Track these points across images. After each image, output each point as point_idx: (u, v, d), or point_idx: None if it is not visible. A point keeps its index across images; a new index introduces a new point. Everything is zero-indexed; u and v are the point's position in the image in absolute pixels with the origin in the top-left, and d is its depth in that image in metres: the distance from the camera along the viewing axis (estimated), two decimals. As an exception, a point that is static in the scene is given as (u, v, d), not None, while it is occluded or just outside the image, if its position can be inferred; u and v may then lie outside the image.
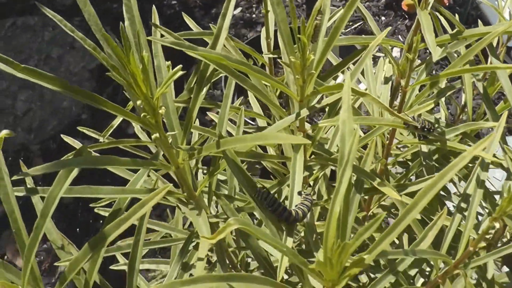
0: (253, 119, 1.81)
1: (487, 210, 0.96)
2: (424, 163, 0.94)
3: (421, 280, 0.94)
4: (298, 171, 0.69)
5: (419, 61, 0.91)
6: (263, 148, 1.08)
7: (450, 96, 1.09)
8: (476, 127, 0.88)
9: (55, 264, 0.76)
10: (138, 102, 0.57)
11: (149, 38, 0.64)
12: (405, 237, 1.04)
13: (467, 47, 0.82)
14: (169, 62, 0.69)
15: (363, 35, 0.92)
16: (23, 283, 0.57)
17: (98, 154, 0.65)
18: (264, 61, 1.10)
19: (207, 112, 1.07)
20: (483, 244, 0.72)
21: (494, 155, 0.84)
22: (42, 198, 0.61)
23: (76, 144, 0.91)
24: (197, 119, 0.99)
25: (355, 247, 0.47)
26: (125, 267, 0.85)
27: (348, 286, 1.00)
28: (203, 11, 2.66)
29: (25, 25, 2.60)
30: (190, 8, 2.65)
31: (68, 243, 0.72)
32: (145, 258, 1.13)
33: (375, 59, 2.15)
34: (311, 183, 0.93)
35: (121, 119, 0.90)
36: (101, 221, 1.98)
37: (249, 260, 1.03)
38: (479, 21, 1.13)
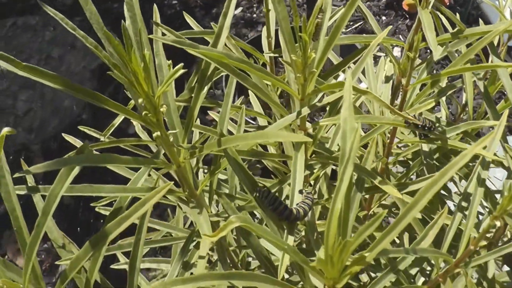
0: (254, 119, 1.81)
1: (487, 210, 0.96)
2: (425, 162, 0.94)
3: (422, 279, 0.94)
4: (299, 170, 0.69)
5: (419, 61, 0.91)
6: (264, 147, 1.09)
7: (451, 95, 1.09)
8: (477, 126, 0.88)
9: (56, 262, 0.76)
10: (140, 100, 0.57)
11: (150, 36, 0.64)
12: (406, 236, 1.04)
13: (468, 46, 0.82)
14: (170, 61, 0.70)
15: (364, 34, 0.92)
16: (25, 281, 0.57)
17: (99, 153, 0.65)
18: (265, 60, 1.10)
19: (208, 111, 1.07)
20: (484, 243, 0.72)
21: (495, 154, 0.84)
22: (43, 197, 0.61)
23: (77, 143, 0.91)
24: (198, 119, 0.99)
25: (356, 245, 0.47)
26: (126, 266, 0.85)
27: (349, 285, 1.00)
28: (203, 11, 2.66)
29: (26, 25, 2.60)
30: (190, 8, 2.65)
31: (69, 242, 0.72)
32: (145, 257, 1.13)
33: (376, 59, 2.15)
34: (312, 182, 0.93)
35: (122, 118, 0.90)
36: (102, 221, 1.98)
37: (250, 259, 1.03)
38: (480, 20, 1.13)
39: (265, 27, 1.12)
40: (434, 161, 0.94)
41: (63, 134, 0.96)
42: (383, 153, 0.97)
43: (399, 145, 0.98)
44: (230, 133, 0.93)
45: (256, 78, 0.75)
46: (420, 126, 0.83)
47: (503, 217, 0.66)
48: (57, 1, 2.69)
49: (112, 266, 1.13)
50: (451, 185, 1.11)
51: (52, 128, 2.26)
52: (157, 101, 0.58)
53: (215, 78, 0.77)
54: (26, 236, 0.59)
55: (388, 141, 0.94)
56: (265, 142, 0.99)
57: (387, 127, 0.89)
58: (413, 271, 0.84)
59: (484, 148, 0.73)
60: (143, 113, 0.58)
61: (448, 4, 2.36)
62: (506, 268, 0.94)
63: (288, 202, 0.69)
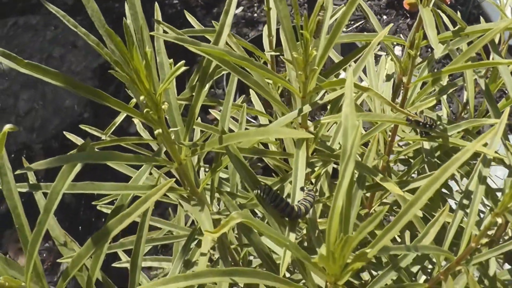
0: (255, 118, 1.81)
1: (489, 208, 0.96)
2: (426, 159, 0.94)
3: (423, 277, 0.94)
4: (300, 167, 0.69)
5: (420, 60, 0.91)
6: (265, 145, 1.09)
7: (452, 93, 1.09)
8: (478, 124, 0.88)
9: (58, 260, 0.76)
10: (141, 98, 0.57)
11: (151, 33, 0.65)
12: (407, 234, 1.04)
13: (469, 44, 0.82)
14: (171, 60, 0.70)
15: (365, 33, 0.92)
16: (26, 278, 0.57)
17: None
18: (266, 58, 1.10)
19: (210, 110, 1.07)
20: (485, 240, 0.72)
21: (496, 152, 0.84)
22: (45, 195, 0.61)
23: (79, 141, 0.91)
24: (199, 118, 1.00)
25: (358, 241, 0.47)
26: (128, 265, 0.85)
27: (351, 284, 1.00)
28: (204, 11, 2.66)
29: (27, 24, 2.60)
30: (191, 8, 2.66)
31: (71, 240, 0.72)
32: (147, 256, 1.13)
33: (377, 58, 2.16)
34: (313, 180, 0.93)
35: (123, 116, 0.91)
36: (103, 219, 1.99)
37: (251, 257, 1.03)
38: (481, 18, 1.13)
39: (266, 26, 1.12)
40: (435, 159, 0.94)
41: (64, 132, 0.96)
42: (384, 151, 0.97)
43: (400, 143, 0.98)
44: (231, 131, 0.93)
45: (258, 76, 0.75)
46: (421, 123, 0.83)
47: (504, 214, 0.66)
48: (58, 1, 2.69)
49: (113, 265, 1.14)
50: (452, 184, 1.11)
51: (54, 127, 2.26)
52: (159, 98, 0.58)
53: (216, 76, 0.77)
54: (28, 233, 0.59)
55: (389, 139, 0.94)
56: (266, 140, 0.99)
57: (388, 125, 0.89)
58: (415, 269, 0.84)
59: (485, 145, 0.73)
60: (144, 111, 0.59)
61: (449, 3, 2.36)
62: (507, 266, 0.94)
63: (289, 199, 0.69)
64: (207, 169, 1.09)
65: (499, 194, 0.89)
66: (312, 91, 0.70)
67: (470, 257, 0.74)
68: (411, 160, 1.06)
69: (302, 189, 0.69)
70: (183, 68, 0.56)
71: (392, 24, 2.48)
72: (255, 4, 2.66)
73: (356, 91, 0.71)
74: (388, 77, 1.01)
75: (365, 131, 0.90)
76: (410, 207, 0.55)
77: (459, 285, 0.78)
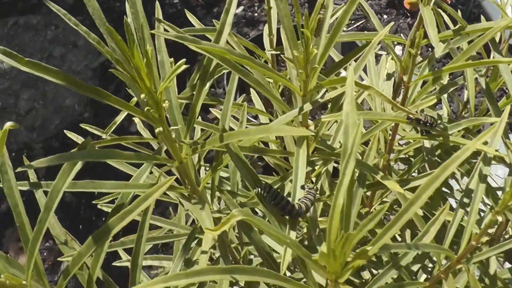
0: (255, 117, 1.82)
1: (489, 207, 0.96)
2: (426, 158, 0.94)
3: (424, 276, 0.94)
4: (301, 166, 0.69)
5: (421, 59, 0.91)
6: (266, 144, 1.09)
7: (453, 93, 1.09)
8: (478, 123, 0.88)
9: (59, 259, 0.76)
10: (142, 96, 0.57)
11: (152, 31, 0.65)
12: (408, 233, 1.04)
13: (469, 43, 0.82)
14: (172, 59, 0.70)
15: (366, 32, 0.92)
16: (27, 276, 0.57)
17: (101, 151, 0.66)
18: (267, 57, 1.11)
19: (210, 109, 1.07)
20: (485, 238, 0.72)
21: (496, 151, 0.84)
22: (46, 194, 0.61)
23: (80, 140, 0.91)
24: (200, 118, 1.00)
25: (359, 238, 0.47)
26: (128, 264, 0.85)
27: (351, 283, 1.00)
28: (205, 10, 2.66)
29: (27, 24, 2.60)
30: (192, 7, 2.66)
31: (72, 238, 0.72)
32: (147, 255, 1.13)
33: (377, 58, 2.16)
34: (314, 179, 0.93)
35: (124, 115, 0.91)
36: (103, 219, 1.99)
37: (252, 257, 1.03)
38: (482, 17, 1.13)
39: (266, 26, 1.12)
40: (436, 158, 0.95)
41: (65, 131, 0.96)
42: (385, 150, 0.97)
43: (401, 142, 0.99)
44: (232, 130, 0.93)
45: (258, 74, 0.75)
46: (422, 122, 0.83)
47: (505, 212, 0.66)
48: (58, 1, 2.69)
49: (114, 264, 1.14)
50: (453, 182, 1.11)
51: (54, 127, 2.26)
52: (159, 96, 0.58)
53: (217, 75, 0.77)
54: (28, 231, 0.59)
55: (390, 138, 0.94)
56: (267, 139, 0.99)
57: (389, 123, 0.89)
58: (415, 267, 0.84)
59: (486, 144, 0.73)
60: (145, 109, 0.59)
61: (449, 2, 2.36)
62: (507, 265, 0.94)
63: (290, 198, 0.70)
64: (207, 168, 1.09)
65: (499, 193, 0.89)
66: (313, 89, 0.70)
67: (470, 255, 0.74)
68: (412, 159, 1.06)
69: (302, 187, 0.69)
70: (184, 66, 0.56)
71: (393, 23, 2.48)
72: (256, 4, 2.66)
73: (357, 89, 0.71)
74: (389, 76, 1.01)
75: (366, 130, 0.90)
76: (410, 205, 0.55)
77: (459, 284, 0.78)
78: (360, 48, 0.81)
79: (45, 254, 1.94)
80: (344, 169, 0.51)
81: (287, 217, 0.69)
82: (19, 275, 0.60)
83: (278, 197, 0.67)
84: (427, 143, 0.95)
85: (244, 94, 1.31)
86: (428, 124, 0.84)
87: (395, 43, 2.24)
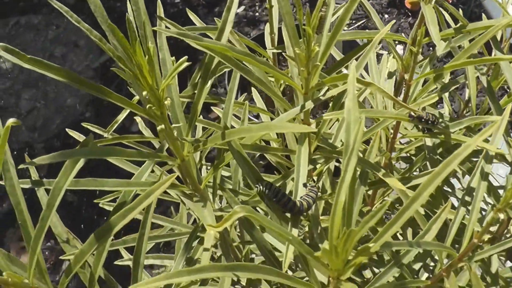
0: (257, 116, 1.81)
1: (490, 205, 0.96)
2: (428, 156, 0.94)
3: (426, 274, 0.94)
4: (303, 163, 0.69)
5: (422, 58, 0.91)
6: (267, 143, 1.08)
7: (454, 92, 1.09)
8: (480, 121, 0.88)
9: (61, 257, 0.76)
10: (144, 93, 0.57)
11: (154, 28, 0.65)
12: (409, 232, 1.04)
13: (470, 41, 0.82)
14: (173, 57, 0.70)
15: (367, 30, 0.92)
16: (29, 275, 0.57)
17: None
18: (268, 56, 1.11)
19: (212, 108, 1.07)
20: (487, 237, 0.72)
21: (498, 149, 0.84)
22: (47, 192, 0.61)
23: (81, 138, 0.91)
24: (201, 117, 1.00)
25: (361, 235, 0.47)
26: (130, 262, 0.85)
27: (353, 281, 1.00)
28: (206, 9, 2.66)
29: (29, 24, 2.61)
30: (193, 7, 2.66)
31: (73, 237, 0.72)
32: (149, 254, 1.13)
33: (378, 57, 2.15)
34: (315, 178, 0.93)
35: (125, 114, 0.91)
36: (105, 218, 1.99)
37: (254, 256, 1.03)
38: (483, 15, 1.13)
39: (267, 24, 1.12)
40: (438, 156, 0.94)
41: (67, 129, 0.96)
42: (387, 148, 0.97)
43: (402, 141, 0.98)
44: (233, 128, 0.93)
45: (260, 72, 0.75)
46: (423, 119, 0.83)
47: (506, 210, 0.66)
48: (59, 1, 2.69)
49: (116, 262, 1.13)
50: (454, 181, 1.11)
51: (55, 126, 2.26)
52: (161, 94, 0.58)
53: (218, 74, 0.77)
54: (30, 229, 0.59)
55: (391, 136, 0.94)
56: (268, 137, 0.99)
57: (390, 121, 0.89)
58: (417, 266, 0.84)
59: (487, 141, 0.73)
60: (147, 106, 0.59)
61: (450, 1, 2.36)
62: (509, 263, 0.94)
63: (292, 195, 0.69)
64: (209, 168, 1.09)
65: (501, 191, 0.89)
66: (314, 87, 0.70)
67: (472, 253, 0.74)
68: (413, 158, 1.06)
69: (304, 185, 0.69)
70: (186, 64, 0.56)
71: (394, 21, 2.48)
72: (257, 3, 2.66)
73: (358, 87, 0.71)
74: (390, 75, 1.01)
75: (367, 129, 0.90)
76: (412, 202, 0.55)
77: (461, 282, 0.78)
78: (362, 47, 0.81)
79: (46, 253, 1.94)
80: (346, 166, 0.51)
81: (289, 214, 0.69)
82: (21, 273, 0.60)
83: (279, 194, 0.67)
84: (428, 142, 0.95)
85: (246, 93, 1.31)
86: (429, 121, 0.84)
87: (397, 42, 2.23)
